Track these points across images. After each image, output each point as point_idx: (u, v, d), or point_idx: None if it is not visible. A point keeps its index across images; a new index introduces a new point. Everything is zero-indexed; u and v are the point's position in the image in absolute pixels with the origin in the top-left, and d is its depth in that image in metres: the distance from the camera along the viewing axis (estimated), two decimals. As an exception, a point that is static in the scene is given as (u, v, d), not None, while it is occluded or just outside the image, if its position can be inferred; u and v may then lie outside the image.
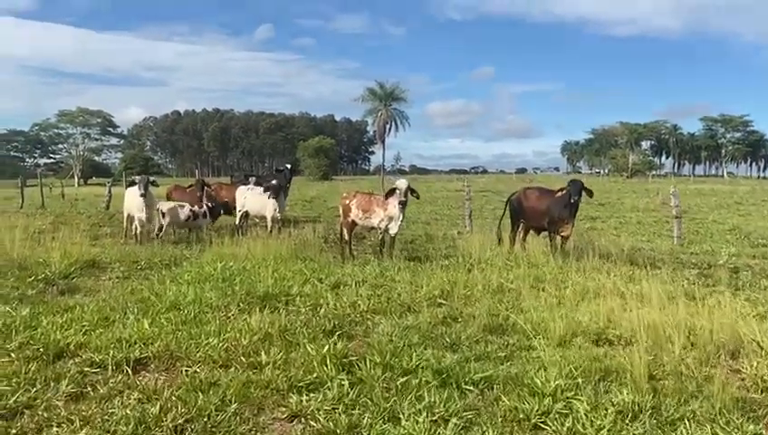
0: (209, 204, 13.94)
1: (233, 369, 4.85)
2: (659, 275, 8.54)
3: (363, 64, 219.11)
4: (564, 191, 10.41)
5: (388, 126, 71.19)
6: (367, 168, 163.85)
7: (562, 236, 10.59)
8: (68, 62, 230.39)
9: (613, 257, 10.02)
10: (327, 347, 5.09)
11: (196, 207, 13.56)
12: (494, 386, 4.57)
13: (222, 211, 14.55)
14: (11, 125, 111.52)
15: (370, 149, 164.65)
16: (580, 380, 4.61)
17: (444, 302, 7.15)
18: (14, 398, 4.12)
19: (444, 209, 23.95)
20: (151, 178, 13.68)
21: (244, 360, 5.00)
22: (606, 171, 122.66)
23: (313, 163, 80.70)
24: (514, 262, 9.48)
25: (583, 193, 10.30)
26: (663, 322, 5.85)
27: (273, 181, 14.09)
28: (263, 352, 5.11)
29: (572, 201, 10.21)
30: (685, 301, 6.62)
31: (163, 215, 13.03)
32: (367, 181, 64.44)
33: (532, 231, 11.65)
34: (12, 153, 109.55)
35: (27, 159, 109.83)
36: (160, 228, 13.15)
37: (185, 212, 13.27)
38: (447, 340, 5.64)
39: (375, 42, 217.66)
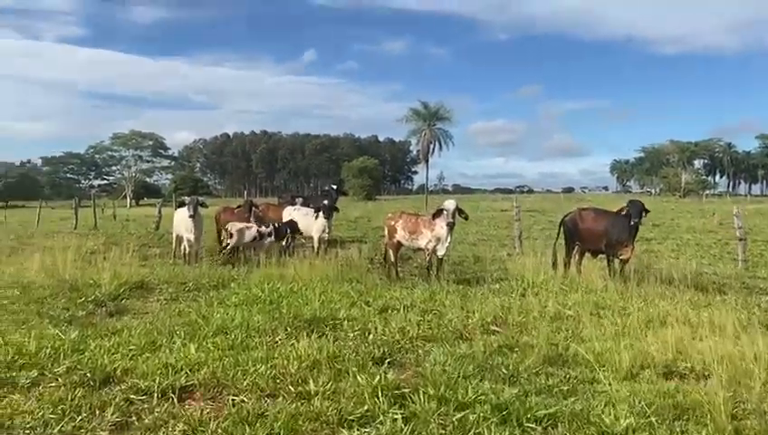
0: (275, 224, 13.84)
1: (280, 399, 4.64)
2: (728, 302, 8.02)
3: (406, 86, 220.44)
4: (624, 212, 9.97)
5: (431, 146, 71.19)
6: (410, 187, 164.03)
7: (621, 260, 10.13)
8: (122, 86, 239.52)
9: (676, 282, 9.50)
10: (378, 377, 4.84)
11: (263, 228, 13.50)
12: (559, 424, 4.23)
13: (288, 232, 14.11)
14: (67, 148, 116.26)
15: (413, 169, 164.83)
16: (653, 418, 4.24)
17: (498, 329, 6.84)
18: (58, 426, 4.01)
19: (490, 230, 23.52)
20: (200, 200, 13.80)
21: (292, 389, 4.79)
22: (657, 191, 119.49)
23: (357, 183, 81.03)
24: (570, 287, 9.08)
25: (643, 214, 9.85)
26: (740, 354, 5.41)
27: (325, 201, 14.05)
28: (311, 381, 4.89)
29: (632, 223, 9.76)
30: (762, 330, 6.13)
31: (231, 235, 13.06)
32: (410, 201, 64.30)
33: (588, 254, 11.19)
34: (68, 175, 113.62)
35: (82, 181, 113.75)
36: (225, 247, 13.18)
37: (251, 232, 13.24)
38: (505, 371, 5.31)
39: (418, 64, 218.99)
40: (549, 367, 5.54)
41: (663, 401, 4.59)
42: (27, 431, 3.95)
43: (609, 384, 4.97)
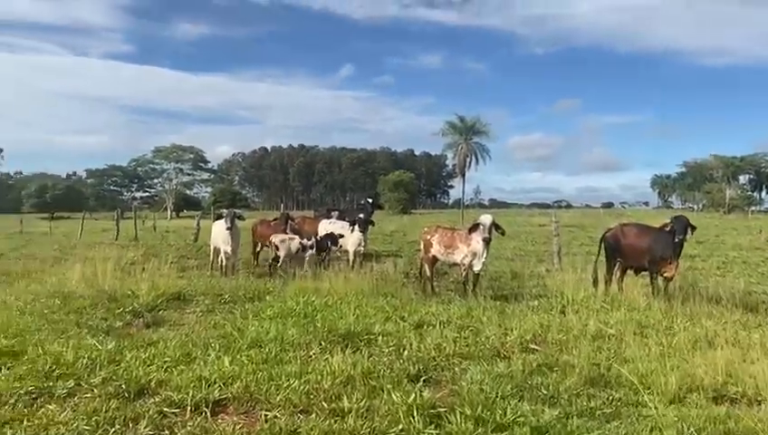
0: (317, 237, 13.84)
1: (314, 415, 4.55)
2: (780, 323, 7.67)
3: (442, 100, 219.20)
4: (668, 228, 9.66)
5: (468, 159, 70.82)
6: (445, 201, 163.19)
7: (665, 278, 9.80)
8: (165, 102, 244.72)
9: (723, 301, 9.13)
10: (413, 395, 4.72)
11: (305, 240, 13.53)
12: (602, 449, 4.05)
13: (330, 244, 13.96)
14: (111, 161, 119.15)
15: (449, 183, 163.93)
16: (703, 446, 4.02)
17: (537, 347, 6.64)
18: (92, 438, 4.01)
19: (528, 245, 23.17)
20: (238, 212, 13.93)
21: (325, 405, 4.70)
22: (700, 207, 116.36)
23: (393, 197, 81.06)
24: (612, 304, 8.80)
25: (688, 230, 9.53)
26: (795, 379, 5.13)
27: (361, 215, 14.02)
28: (345, 398, 4.80)
29: (678, 240, 9.44)
30: (819, 355, 5.82)
31: (276, 247, 13.14)
32: (446, 215, 63.98)
33: (630, 271, 10.87)
34: (111, 187, 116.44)
35: (125, 193, 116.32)
36: (276, 259, 13.27)
37: (295, 244, 13.29)
38: (544, 392, 5.14)
39: (454, 77, 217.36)
40: (590, 388, 5.34)
41: (713, 428, 4.38)
42: (61, 443, 3.95)
43: (655, 408, 4.75)
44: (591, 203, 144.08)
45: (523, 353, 6.37)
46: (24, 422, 4.24)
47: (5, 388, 4.88)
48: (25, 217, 51.94)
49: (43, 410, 4.48)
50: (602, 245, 11.24)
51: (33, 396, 4.80)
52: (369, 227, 14.23)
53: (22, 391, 4.82)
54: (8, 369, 5.45)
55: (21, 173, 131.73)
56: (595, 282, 10.60)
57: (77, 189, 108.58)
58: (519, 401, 4.86)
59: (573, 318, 7.79)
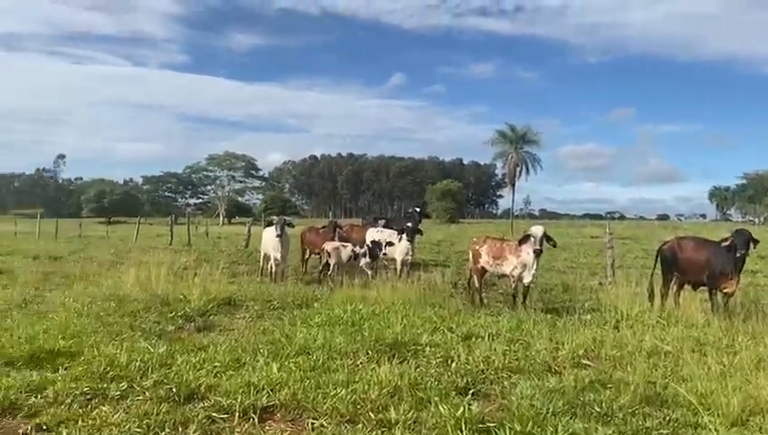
0: (368, 244, 13.78)
1: (360, 426, 4.53)
2: None
3: (493, 109, 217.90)
4: (728, 242, 9.27)
5: (518, 169, 69.77)
6: (494, 211, 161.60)
7: (725, 294, 9.40)
8: (218, 110, 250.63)
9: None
10: (461, 409, 4.64)
11: (357, 248, 13.53)
12: (659, 472, 3.88)
13: (380, 253, 13.69)
14: (166, 167, 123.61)
15: (498, 193, 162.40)
16: (768, 473, 3.80)
17: (590, 363, 6.45)
18: (143, 441, 4.07)
19: (580, 257, 22.64)
20: (287, 220, 14.08)
21: (372, 416, 4.67)
22: (762, 220, 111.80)
23: (441, 206, 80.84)
24: (668, 320, 8.49)
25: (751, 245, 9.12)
26: None
27: (409, 224, 13.98)
28: (392, 409, 4.75)
29: (738, 255, 9.05)
30: None
31: (329, 254, 13.23)
32: (494, 225, 63.22)
33: (687, 286, 10.47)
34: (166, 193, 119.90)
35: (179, 199, 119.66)
36: (327, 266, 13.36)
37: (347, 252, 13.35)
38: (597, 409, 4.96)
39: (506, 87, 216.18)
40: (646, 407, 5.13)
41: (779, 454, 4.13)
42: (114, 444, 4.02)
43: (716, 431, 4.53)
44: (645, 215, 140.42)
45: (575, 369, 6.18)
46: (79, 422, 4.36)
47: (62, 388, 5.03)
48: (84, 221, 53.78)
49: (96, 410, 4.60)
50: (658, 258, 10.86)
51: (88, 397, 4.94)
52: (417, 236, 14.16)
53: (77, 392, 4.97)
54: (65, 369, 5.63)
55: (81, 179, 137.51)
56: (651, 296, 10.23)
57: (133, 195, 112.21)
58: (571, 418, 4.71)
59: (628, 334, 7.53)
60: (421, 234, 14.69)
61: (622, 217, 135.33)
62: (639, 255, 21.92)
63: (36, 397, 4.88)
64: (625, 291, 10.31)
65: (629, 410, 4.98)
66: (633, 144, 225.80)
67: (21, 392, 4.93)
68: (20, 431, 4.30)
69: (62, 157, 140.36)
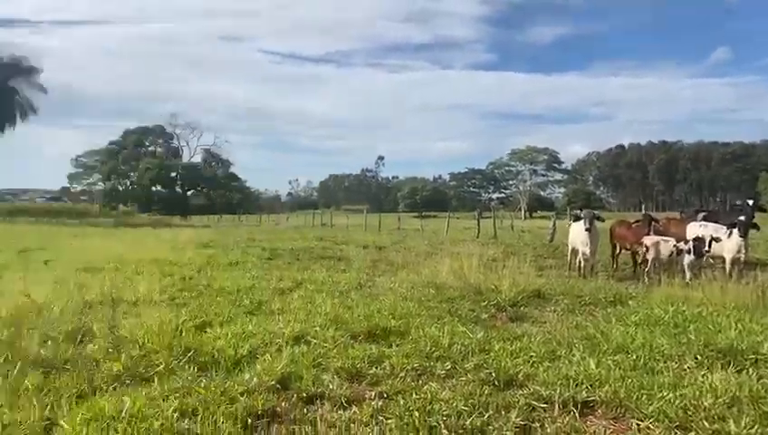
0: (692, 241, 12.48)
1: (693, 433, 4.15)
2: None
3: None
4: None
5: None
6: None
7: None
8: (519, 105, 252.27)
9: None
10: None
11: (680, 244, 12.59)
12: None
13: (707, 249, 12.25)
14: (471, 164, 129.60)
15: None
16: None
17: None
18: (470, 419, 4.33)
19: None
20: (596, 213, 13.61)
21: (706, 425, 4.23)
22: None
23: (779, 197, 69.19)
24: None
25: None
26: None
27: (741, 217, 12.32)
28: (731, 421, 4.25)
29: None
30: None
31: (647, 249, 12.64)
32: None
33: None
34: (471, 189, 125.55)
35: (482, 194, 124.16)
36: (644, 262, 12.79)
37: (668, 247, 12.56)
38: None
39: None
40: None
41: None
42: (444, 419, 4.35)
43: None
44: None
45: None
46: (413, 395, 4.82)
47: (397, 362, 5.63)
48: (401, 215, 59.51)
49: (426, 386, 5.04)
50: None
51: (418, 372, 5.45)
52: (752, 231, 12.37)
53: (409, 367, 5.52)
54: (397, 346, 6.29)
55: (397, 177, 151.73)
56: None
57: (442, 191, 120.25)
58: None
59: None
60: (757, 229, 12.80)
61: None
62: None
63: (376, 368, 5.55)
64: None
65: None
66: None
67: (364, 362, 5.66)
68: (366, 396, 4.93)
69: (381, 158, 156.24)
